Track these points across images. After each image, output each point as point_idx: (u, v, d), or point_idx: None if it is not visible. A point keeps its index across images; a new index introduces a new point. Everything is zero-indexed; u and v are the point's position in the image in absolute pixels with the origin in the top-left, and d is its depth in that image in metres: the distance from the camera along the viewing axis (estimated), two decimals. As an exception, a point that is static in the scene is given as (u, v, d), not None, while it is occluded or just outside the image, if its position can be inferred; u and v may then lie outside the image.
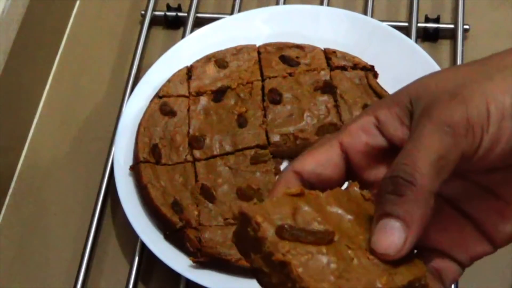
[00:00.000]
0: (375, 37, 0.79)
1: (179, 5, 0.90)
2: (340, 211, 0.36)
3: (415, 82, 0.38)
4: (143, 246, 0.71)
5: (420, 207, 0.34)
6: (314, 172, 0.38)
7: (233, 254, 0.67)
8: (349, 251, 0.34)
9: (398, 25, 0.84)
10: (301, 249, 0.34)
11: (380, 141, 0.38)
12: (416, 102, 0.36)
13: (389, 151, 0.38)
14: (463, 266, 0.39)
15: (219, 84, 0.77)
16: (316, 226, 0.35)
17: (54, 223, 0.78)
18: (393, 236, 0.34)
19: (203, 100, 0.77)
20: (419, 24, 0.85)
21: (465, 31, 0.84)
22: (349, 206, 0.37)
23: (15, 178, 0.81)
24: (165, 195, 0.71)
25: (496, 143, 0.35)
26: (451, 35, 0.85)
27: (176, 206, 0.70)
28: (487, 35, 0.86)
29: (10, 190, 0.80)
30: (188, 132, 0.75)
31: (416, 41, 0.82)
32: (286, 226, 0.35)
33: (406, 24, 0.85)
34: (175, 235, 0.70)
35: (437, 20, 0.86)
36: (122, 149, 0.75)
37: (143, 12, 0.89)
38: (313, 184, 0.38)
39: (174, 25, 0.90)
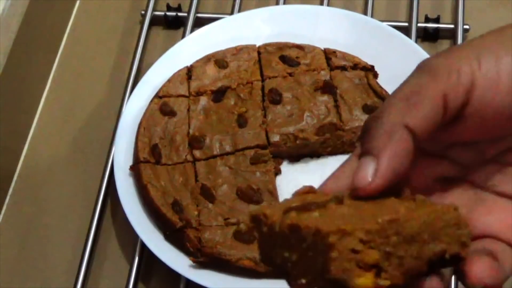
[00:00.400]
0: (375, 37, 0.79)
1: (179, 5, 0.90)
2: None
3: None
4: (143, 246, 0.71)
5: (387, 139, 0.34)
6: (425, 129, 0.35)
7: (233, 254, 0.67)
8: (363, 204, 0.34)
9: (398, 25, 0.84)
10: (310, 214, 0.33)
11: None
12: None
13: None
14: None
15: (219, 84, 0.77)
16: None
17: (54, 223, 0.78)
18: (364, 169, 0.34)
19: (203, 100, 0.77)
20: (419, 24, 0.85)
21: (465, 31, 0.84)
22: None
23: (15, 178, 0.81)
24: (165, 195, 0.71)
25: (495, 92, 0.33)
26: (451, 35, 0.85)
27: (176, 206, 0.70)
28: (487, 35, 0.86)
29: (10, 190, 0.80)
30: (188, 132, 0.75)
31: (416, 41, 0.82)
32: (293, 206, 0.34)
33: (406, 24, 0.85)
34: (175, 235, 0.70)
35: (437, 20, 0.86)
36: (122, 149, 0.75)
37: (143, 12, 0.89)
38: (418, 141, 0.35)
39: (174, 25, 0.90)
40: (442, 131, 0.36)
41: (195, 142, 0.74)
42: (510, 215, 0.36)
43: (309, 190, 0.36)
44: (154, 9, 0.89)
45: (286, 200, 0.36)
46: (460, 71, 0.34)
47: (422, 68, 0.35)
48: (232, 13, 0.87)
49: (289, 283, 0.35)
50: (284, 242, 0.34)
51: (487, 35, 0.36)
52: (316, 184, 0.39)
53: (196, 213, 0.70)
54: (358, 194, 0.35)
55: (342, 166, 0.37)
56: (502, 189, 0.37)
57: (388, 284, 0.32)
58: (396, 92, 0.35)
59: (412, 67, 0.37)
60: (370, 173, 0.34)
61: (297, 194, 0.36)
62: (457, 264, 0.35)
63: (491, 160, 0.38)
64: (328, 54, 0.79)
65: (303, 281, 0.33)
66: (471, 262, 0.34)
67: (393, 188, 0.35)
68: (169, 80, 0.78)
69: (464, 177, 0.39)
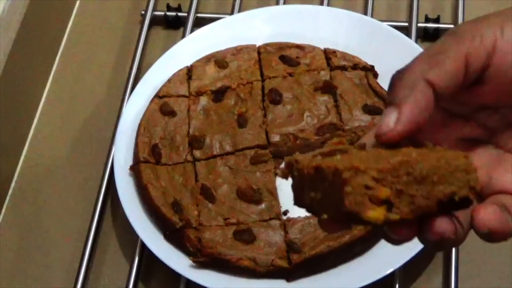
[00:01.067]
0: (375, 37, 0.79)
1: (179, 5, 0.90)
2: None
3: None
4: (143, 246, 0.71)
5: (409, 90, 0.36)
6: (446, 86, 0.37)
7: (233, 254, 0.68)
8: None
9: (398, 25, 0.84)
10: (333, 157, 0.36)
11: None
12: None
13: None
14: None
15: (219, 84, 0.77)
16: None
17: (54, 223, 0.78)
18: (387, 117, 0.37)
19: (203, 100, 0.77)
20: (419, 24, 0.85)
21: (465, 31, 0.84)
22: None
23: (15, 178, 0.81)
24: (165, 195, 0.71)
25: None
26: (451, 35, 0.85)
27: (176, 206, 0.70)
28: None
29: (10, 190, 0.80)
30: (188, 132, 0.75)
31: (416, 41, 0.82)
32: (320, 152, 0.37)
33: (406, 24, 0.85)
34: (175, 235, 0.70)
35: (437, 20, 0.86)
36: (122, 149, 0.75)
37: (143, 12, 0.89)
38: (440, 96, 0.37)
39: (174, 25, 0.90)
40: (466, 93, 0.38)
41: (195, 142, 0.74)
42: None
43: (339, 142, 0.39)
44: (154, 9, 0.89)
45: (317, 149, 0.39)
46: (483, 35, 0.36)
47: (449, 32, 0.37)
48: (232, 13, 0.87)
49: (318, 220, 0.37)
50: (311, 183, 0.36)
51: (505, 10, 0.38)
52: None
53: (196, 213, 0.70)
54: (381, 140, 0.37)
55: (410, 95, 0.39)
56: None
57: (397, 218, 0.34)
58: (422, 52, 0.38)
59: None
60: (392, 120, 0.36)
61: (328, 145, 0.39)
62: (467, 208, 0.37)
63: None
64: (328, 54, 0.79)
65: (325, 216, 0.36)
66: (479, 207, 0.36)
67: (415, 143, 0.38)
68: (169, 80, 0.78)
69: (488, 139, 0.40)
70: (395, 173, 0.34)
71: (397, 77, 0.37)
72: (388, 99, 0.37)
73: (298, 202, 0.38)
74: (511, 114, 0.39)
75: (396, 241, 0.37)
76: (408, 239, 0.36)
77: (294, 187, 0.38)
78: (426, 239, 0.36)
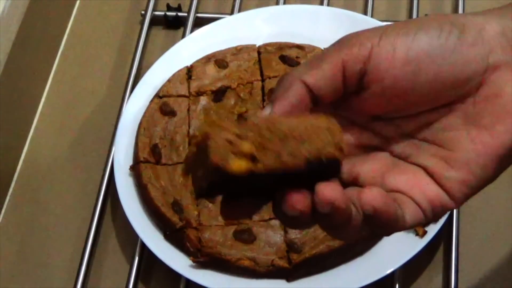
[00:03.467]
0: (375, 37, 0.79)
1: (179, 5, 0.90)
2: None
3: None
4: (143, 246, 0.71)
5: (284, 90, 0.39)
6: (321, 88, 0.40)
7: (233, 254, 0.68)
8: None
9: (398, 25, 0.84)
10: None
11: None
12: None
13: None
14: (424, 212, 0.40)
15: (219, 84, 0.77)
16: None
17: (54, 223, 0.78)
18: (262, 113, 0.39)
19: (203, 100, 0.77)
20: (419, 24, 0.85)
21: (465, 31, 0.84)
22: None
23: (15, 178, 0.81)
24: (165, 195, 0.71)
25: (390, 63, 0.38)
26: (451, 35, 0.85)
27: (176, 206, 0.70)
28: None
29: (10, 190, 0.80)
30: (188, 132, 0.75)
31: (416, 41, 0.82)
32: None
33: (406, 24, 0.85)
34: (175, 235, 0.70)
35: (437, 20, 0.86)
36: (122, 149, 0.75)
37: (143, 12, 0.89)
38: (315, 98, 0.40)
39: (174, 25, 0.90)
40: (356, 101, 0.40)
41: (195, 142, 0.74)
42: (418, 177, 0.40)
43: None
44: (154, 9, 0.89)
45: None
46: (361, 44, 0.38)
47: (333, 43, 0.40)
48: (232, 13, 0.87)
49: (220, 210, 0.39)
50: (200, 158, 0.38)
51: (399, 22, 0.41)
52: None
53: (196, 213, 0.70)
54: None
55: (288, 92, 0.42)
56: (416, 161, 0.41)
57: (260, 168, 0.36)
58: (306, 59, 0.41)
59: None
60: (265, 114, 0.39)
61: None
62: (336, 175, 0.39)
63: (408, 135, 0.42)
64: (328, 54, 0.78)
65: (199, 174, 0.37)
66: (365, 188, 0.38)
67: None
68: (169, 80, 0.78)
69: (384, 148, 0.42)
70: (256, 130, 0.37)
71: (280, 79, 0.40)
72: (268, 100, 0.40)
73: (188, 175, 0.39)
74: (404, 124, 0.41)
75: (292, 220, 0.38)
76: (302, 215, 0.37)
77: (191, 170, 0.39)
78: (282, 210, 0.37)
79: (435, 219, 0.41)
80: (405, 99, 0.39)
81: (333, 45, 0.40)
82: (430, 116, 0.41)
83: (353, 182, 0.41)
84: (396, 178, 0.41)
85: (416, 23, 0.39)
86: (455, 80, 0.38)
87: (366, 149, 0.43)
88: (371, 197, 0.37)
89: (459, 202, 0.40)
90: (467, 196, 0.40)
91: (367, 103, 0.40)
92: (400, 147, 0.42)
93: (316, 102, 0.40)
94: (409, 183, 0.40)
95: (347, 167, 0.41)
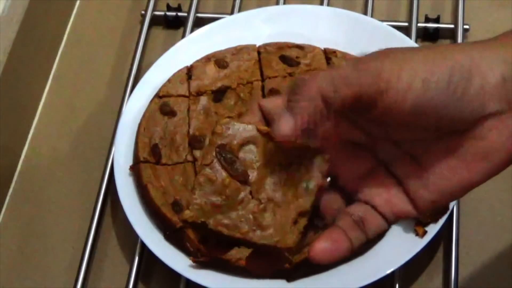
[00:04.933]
0: (375, 37, 0.79)
1: (179, 5, 0.90)
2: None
3: None
4: (143, 246, 0.71)
5: (305, 100, 0.41)
6: (333, 104, 0.42)
7: (233, 254, 0.67)
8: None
9: (398, 25, 0.84)
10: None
11: None
12: None
13: None
14: (388, 222, 0.44)
15: (219, 84, 0.77)
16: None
17: (54, 223, 0.78)
18: (284, 124, 0.41)
19: (203, 100, 0.77)
20: (419, 24, 0.85)
21: (465, 31, 0.84)
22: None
23: (15, 178, 0.81)
24: (165, 195, 0.71)
25: (400, 105, 0.40)
26: (451, 35, 0.85)
27: (176, 206, 0.70)
28: (487, 35, 0.85)
29: (10, 190, 0.80)
30: (188, 132, 0.75)
31: (416, 41, 0.82)
32: None
33: (406, 24, 0.85)
34: (175, 235, 0.70)
35: (437, 20, 0.86)
36: (122, 149, 0.75)
37: (143, 12, 0.89)
38: None
39: (174, 25, 0.90)
40: (364, 119, 0.43)
41: (195, 142, 0.74)
42: (389, 194, 0.44)
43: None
44: (154, 9, 0.89)
45: None
46: (379, 78, 0.41)
47: (366, 56, 0.42)
48: (232, 13, 0.87)
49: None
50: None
51: (419, 50, 0.44)
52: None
53: (196, 213, 0.70)
54: (275, 140, 0.42)
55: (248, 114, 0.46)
56: (395, 171, 0.44)
57: (190, 217, 0.43)
58: (331, 68, 0.45)
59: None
60: (289, 127, 0.41)
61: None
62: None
63: (395, 143, 0.44)
64: (328, 54, 0.78)
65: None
66: (314, 244, 0.44)
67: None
68: (169, 80, 0.78)
69: (370, 149, 0.45)
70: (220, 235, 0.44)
71: (299, 84, 0.42)
72: (288, 103, 0.42)
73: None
74: (393, 133, 0.44)
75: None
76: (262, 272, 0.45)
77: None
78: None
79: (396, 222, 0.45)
80: (405, 128, 0.43)
81: (355, 63, 0.42)
82: (418, 134, 0.43)
83: (334, 180, 0.45)
84: (372, 190, 0.44)
85: (432, 62, 0.41)
86: (451, 119, 0.41)
87: (353, 146, 0.45)
88: (318, 255, 0.43)
89: (422, 213, 0.44)
90: (430, 211, 0.46)
91: (367, 118, 0.43)
92: (385, 153, 0.45)
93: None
94: (382, 198, 0.44)
95: (331, 162, 0.44)
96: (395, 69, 0.41)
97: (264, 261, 0.45)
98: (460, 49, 0.43)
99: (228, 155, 0.43)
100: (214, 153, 0.43)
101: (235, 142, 0.43)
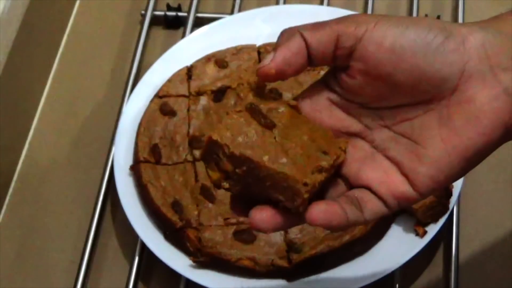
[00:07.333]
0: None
1: (179, 5, 0.90)
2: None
3: None
4: (143, 246, 0.71)
5: (286, 40, 0.44)
6: (315, 48, 0.44)
7: (233, 254, 0.68)
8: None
9: (398, 25, 0.84)
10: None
11: None
12: None
13: None
14: (388, 206, 0.44)
15: (219, 84, 0.77)
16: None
17: (54, 223, 0.78)
18: (266, 59, 0.45)
19: (203, 100, 0.77)
20: (419, 24, 0.85)
21: (465, 31, 0.84)
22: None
23: (15, 178, 0.81)
24: (165, 195, 0.71)
25: (377, 48, 0.42)
26: (451, 35, 0.85)
27: (176, 206, 0.70)
28: (487, 35, 0.86)
29: (10, 190, 0.80)
30: (188, 132, 0.75)
31: (416, 41, 0.82)
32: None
33: (406, 24, 0.85)
34: (175, 235, 0.70)
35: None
36: (122, 149, 0.75)
37: (143, 12, 0.89)
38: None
39: (174, 25, 0.90)
40: (343, 78, 0.45)
41: (195, 142, 0.74)
42: (389, 175, 0.44)
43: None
44: (154, 9, 0.90)
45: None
46: (358, 25, 0.43)
47: (338, 17, 0.45)
48: (232, 13, 0.87)
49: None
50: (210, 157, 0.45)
51: (396, 16, 0.45)
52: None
53: (196, 213, 0.70)
54: (259, 77, 0.45)
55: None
56: (391, 154, 0.45)
57: (226, 187, 0.43)
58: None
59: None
60: (268, 59, 0.44)
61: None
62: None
63: (388, 127, 0.45)
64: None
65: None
66: (312, 206, 0.42)
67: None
68: (169, 80, 0.78)
69: (365, 136, 0.46)
70: (240, 162, 0.42)
71: (282, 32, 0.45)
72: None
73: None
74: (386, 116, 0.45)
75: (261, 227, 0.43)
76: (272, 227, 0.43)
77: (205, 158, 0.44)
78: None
79: (400, 208, 0.45)
80: (386, 82, 0.43)
81: (336, 19, 0.44)
82: (409, 113, 0.44)
83: (338, 169, 0.46)
84: (369, 174, 0.45)
85: (410, 20, 0.43)
86: (431, 76, 0.42)
87: (349, 134, 0.46)
88: (314, 216, 0.42)
89: (423, 194, 0.44)
90: (431, 190, 0.44)
91: (353, 81, 0.44)
92: (380, 138, 0.45)
93: (311, 60, 0.44)
94: (379, 179, 0.44)
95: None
96: (372, 20, 0.43)
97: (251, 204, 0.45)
98: (440, 21, 0.44)
99: (257, 108, 0.45)
100: (244, 106, 0.45)
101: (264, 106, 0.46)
